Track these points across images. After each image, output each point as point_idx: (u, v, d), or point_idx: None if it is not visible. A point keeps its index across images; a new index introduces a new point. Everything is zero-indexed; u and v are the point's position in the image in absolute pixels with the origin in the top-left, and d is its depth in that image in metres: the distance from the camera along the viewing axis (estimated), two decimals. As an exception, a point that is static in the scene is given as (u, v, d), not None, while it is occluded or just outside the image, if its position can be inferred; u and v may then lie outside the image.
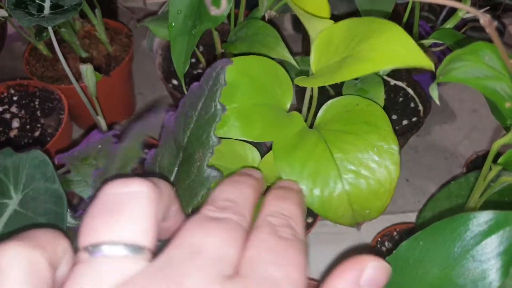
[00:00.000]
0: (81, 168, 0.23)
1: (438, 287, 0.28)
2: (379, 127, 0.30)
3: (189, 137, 0.22)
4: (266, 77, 0.30)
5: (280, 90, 0.31)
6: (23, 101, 0.52)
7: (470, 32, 0.54)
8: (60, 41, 0.54)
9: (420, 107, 0.47)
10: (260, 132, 0.29)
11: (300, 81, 0.28)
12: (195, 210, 0.19)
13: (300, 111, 0.34)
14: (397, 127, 0.47)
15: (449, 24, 0.39)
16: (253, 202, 0.19)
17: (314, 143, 0.30)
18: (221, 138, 0.32)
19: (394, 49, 0.22)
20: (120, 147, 0.24)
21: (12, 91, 0.53)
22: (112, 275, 0.14)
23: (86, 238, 0.14)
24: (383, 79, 0.45)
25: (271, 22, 0.41)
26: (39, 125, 0.50)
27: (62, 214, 0.22)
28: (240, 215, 0.17)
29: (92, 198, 0.16)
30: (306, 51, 0.64)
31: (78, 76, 0.45)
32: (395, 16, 0.40)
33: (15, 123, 0.50)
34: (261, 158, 0.34)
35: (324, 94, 0.47)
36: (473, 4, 0.53)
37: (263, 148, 0.38)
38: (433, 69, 0.21)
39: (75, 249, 0.15)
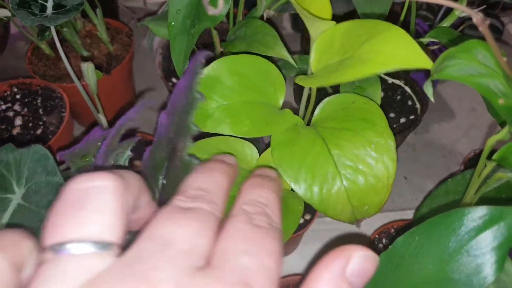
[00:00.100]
0: (81, 165, 0.24)
1: (433, 282, 0.29)
2: (375, 124, 0.30)
3: (174, 129, 0.22)
4: (258, 75, 0.31)
5: (273, 88, 0.31)
6: (26, 100, 0.52)
7: (467, 30, 0.55)
8: (62, 41, 0.55)
9: (418, 105, 0.48)
10: (249, 128, 0.30)
11: (301, 81, 0.29)
12: None
13: (297, 110, 0.34)
14: (394, 125, 0.47)
15: (446, 23, 0.39)
16: (227, 189, 0.18)
17: (311, 140, 0.30)
18: (218, 135, 0.33)
19: (396, 51, 0.22)
20: (105, 142, 0.24)
21: (15, 90, 0.53)
22: (78, 274, 0.13)
23: (50, 236, 0.14)
24: (380, 77, 0.45)
25: (269, 21, 0.42)
26: (41, 123, 0.50)
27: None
28: (212, 204, 0.17)
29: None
30: (304, 50, 0.64)
31: (80, 75, 0.45)
32: (392, 15, 0.40)
33: (18, 121, 0.51)
34: (260, 156, 0.35)
35: (322, 92, 0.47)
36: (471, 3, 0.53)
37: (262, 146, 0.38)
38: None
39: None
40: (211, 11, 0.21)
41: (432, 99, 0.26)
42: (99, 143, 0.26)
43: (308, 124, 0.33)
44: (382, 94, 0.49)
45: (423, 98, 0.48)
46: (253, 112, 0.30)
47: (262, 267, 0.14)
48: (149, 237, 0.15)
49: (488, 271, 0.26)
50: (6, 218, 0.23)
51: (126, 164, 0.22)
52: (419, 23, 0.57)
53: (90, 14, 0.52)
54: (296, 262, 0.49)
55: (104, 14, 0.54)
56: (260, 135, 0.30)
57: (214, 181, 0.18)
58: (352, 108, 0.32)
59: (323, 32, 0.28)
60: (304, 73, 0.41)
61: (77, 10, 0.39)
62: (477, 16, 0.22)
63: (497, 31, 0.63)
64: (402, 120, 0.48)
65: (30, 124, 0.50)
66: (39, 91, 0.53)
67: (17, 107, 0.52)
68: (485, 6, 0.39)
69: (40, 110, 0.51)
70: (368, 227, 0.48)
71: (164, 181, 0.22)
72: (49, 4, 0.39)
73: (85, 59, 0.54)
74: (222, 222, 0.16)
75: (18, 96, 0.53)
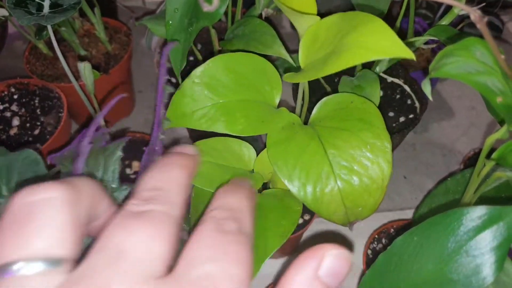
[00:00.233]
0: (71, 168, 0.24)
1: (432, 283, 0.28)
2: (372, 124, 0.30)
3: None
4: (254, 74, 0.31)
5: (269, 87, 0.31)
6: (23, 100, 0.52)
7: (467, 28, 0.55)
8: (60, 40, 0.54)
9: (417, 104, 0.47)
10: (244, 127, 0.30)
11: (288, 78, 0.29)
12: None
13: (295, 108, 0.34)
14: (394, 124, 0.47)
15: (445, 21, 0.39)
16: (185, 184, 0.17)
17: (308, 139, 0.30)
18: (216, 136, 0.32)
19: (376, 41, 0.22)
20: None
21: (13, 90, 0.53)
22: None
23: None
24: (380, 76, 0.45)
25: (268, 20, 0.42)
26: (38, 123, 0.50)
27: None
28: (168, 203, 0.15)
29: None
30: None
31: (78, 75, 0.45)
32: (390, 14, 0.40)
33: (15, 121, 0.50)
34: (257, 156, 0.35)
35: (321, 91, 0.47)
36: (471, 1, 0.53)
37: (260, 146, 0.38)
38: (415, 60, 0.21)
39: None
40: (206, 8, 0.21)
41: (430, 97, 0.26)
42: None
43: (306, 123, 0.33)
44: (381, 93, 0.48)
45: (422, 97, 0.48)
46: (249, 111, 0.30)
47: (228, 274, 0.14)
48: (101, 248, 0.14)
49: (488, 271, 0.26)
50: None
51: (117, 165, 0.22)
52: (419, 21, 0.57)
53: (88, 13, 0.52)
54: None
55: (103, 13, 0.54)
56: (256, 134, 0.30)
57: (170, 178, 0.17)
58: (350, 108, 0.32)
59: (308, 27, 0.28)
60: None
61: (74, 9, 0.38)
62: (475, 14, 0.22)
63: (496, 29, 0.63)
64: (402, 119, 0.47)
65: (28, 125, 0.50)
66: (37, 91, 0.53)
67: (14, 107, 0.52)
68: (484, 4, 0.38)
69: (38, 110, 0.51)
70: (367, 227, 0.48)
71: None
72: (46, 3, 0.39)
73: (82, 59, 0.54)
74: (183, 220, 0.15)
75: (15, 96, 0.53)
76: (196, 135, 0.50)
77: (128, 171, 0.46)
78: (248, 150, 0.35)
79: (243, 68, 0.30)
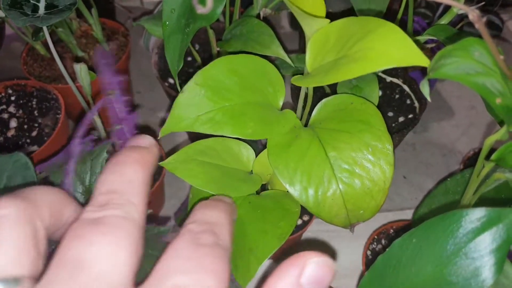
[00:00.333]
0: (60, 175, 0.23)
1: (431, 285, 0.28)
2: (373, 126, 0.30)
3: None
4: (257, 75, 0.30)
5: (272, 89, 0.31)
6: (21, 101, 0.52)
7: (466, 27, 0.54)
8: (58, 41, 0.54)
9: (416, 104, 0.47)
10: (253, 130, 0.29)
11: (296, 81, 0.28)
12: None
13: (295, 109, 0.34)
14: (393, 124, 0.47)
15: (444, 20, 0.39)
16: (143, 181, 0.16)
17: (308, 142, 0.30)
18: (215, 136, 0.32)
19: (390, 49, 0.22)
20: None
21: (10, 91, 0.53)
22: None
23: None
24: (379, 76, 0.45)
25: (266, 20, 0.41)
26: (36, 125, 0.50)
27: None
28: (126, 206, 0.15)
29: None
30: (303, 49, 0.64)
31: (75, 76, 0.45)
32: (389, 13, 0.40)
33: (13, 123, 0.50)
34: (256, 156, 0.34)
35: (320, 92, 0.47)
36: (471, 0, 0.53)
37: (259, 146, 0.38)
38: (429, 66, 0.21)
39: None
40: (199, 10, 0.20)
41: (428, 98, 0.25)
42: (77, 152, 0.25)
43: (306, 124, 0.33)
44: (380, 93, 0.48)
45: (421, 97, 0.48)
46: (256, 114, 0.29)
47: (202, 286, 0.13)
48: (59, 261, 0.13)
49: (487, 273, 0.26)
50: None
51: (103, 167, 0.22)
52: (418, 20, 0.57)
53: (85, 14, 0.52)
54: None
55: (100, 14, 0.53)
56: (264, 137, 0.30)
57: (124, 177, 0.16)
58: (350, 109, 0.31)
59: (317, 30, 0.28)
60: (302, 72, 0.40)
61: (70, 10, 0.38)
62: (473, 13, 0.22)
63: (496, 28, 0.63)
64: (401, 119, 0.47)
65: (25, 126, 0.50)
66: (34, 93, 0.52)
67: (12, 109, 0.51)
68: (484, 3, 0.38)
69: (35, 112, 0.51)
70: (367, 228, 0.48)
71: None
72: (41, 4, 0.38)
73: (79, 60, 0.53)
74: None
75: (13, 98, 0.52)
76: (194, 136, 0.50)
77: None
78: (247, 151, 0.34)
79: (246, 70, 0.30)
